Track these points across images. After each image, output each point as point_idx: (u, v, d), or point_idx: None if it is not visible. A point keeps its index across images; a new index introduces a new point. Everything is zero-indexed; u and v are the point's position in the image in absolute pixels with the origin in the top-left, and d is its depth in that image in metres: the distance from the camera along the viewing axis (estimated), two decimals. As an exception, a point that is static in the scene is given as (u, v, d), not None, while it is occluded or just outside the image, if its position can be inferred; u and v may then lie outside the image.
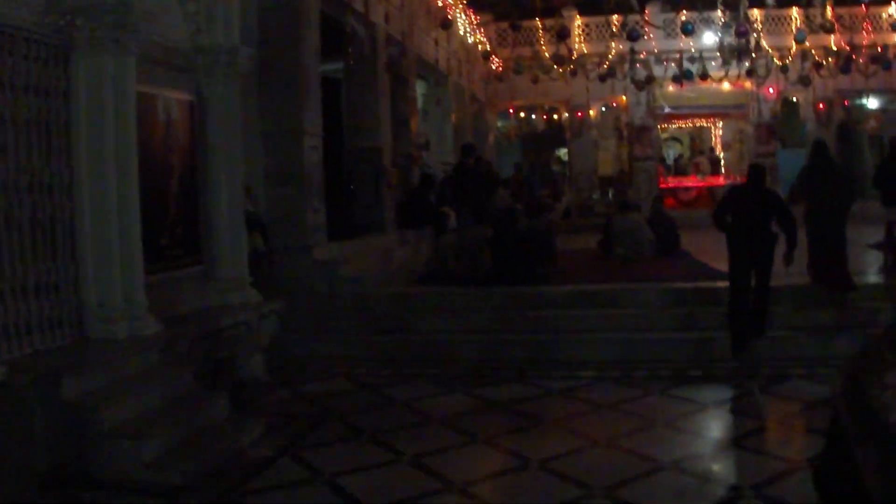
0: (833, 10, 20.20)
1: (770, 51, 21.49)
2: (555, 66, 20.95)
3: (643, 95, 22.92)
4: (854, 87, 22.14)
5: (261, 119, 9.80)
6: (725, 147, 27.00)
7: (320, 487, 5.36)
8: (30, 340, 5.71)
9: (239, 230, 8.44)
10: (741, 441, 6.17)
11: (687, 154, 27.73)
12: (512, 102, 25.26)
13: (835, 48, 21.31)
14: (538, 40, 22.45)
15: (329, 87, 11.69)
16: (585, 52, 22.83)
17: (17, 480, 4.94)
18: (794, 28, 21.45)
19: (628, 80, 21.35)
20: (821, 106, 23.00)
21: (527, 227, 11.46)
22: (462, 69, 20.30)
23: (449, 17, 17.12)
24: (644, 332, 9.04)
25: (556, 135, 27.01)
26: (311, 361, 8.89)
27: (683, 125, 27.39)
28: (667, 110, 24.37)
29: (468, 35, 19.64)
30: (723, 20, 19.62)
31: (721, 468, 5.63)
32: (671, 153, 28.31)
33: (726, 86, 22.03)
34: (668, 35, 21.78)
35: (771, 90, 22.86)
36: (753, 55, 20.25)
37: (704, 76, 20.74)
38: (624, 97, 23.56)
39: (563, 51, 20.24)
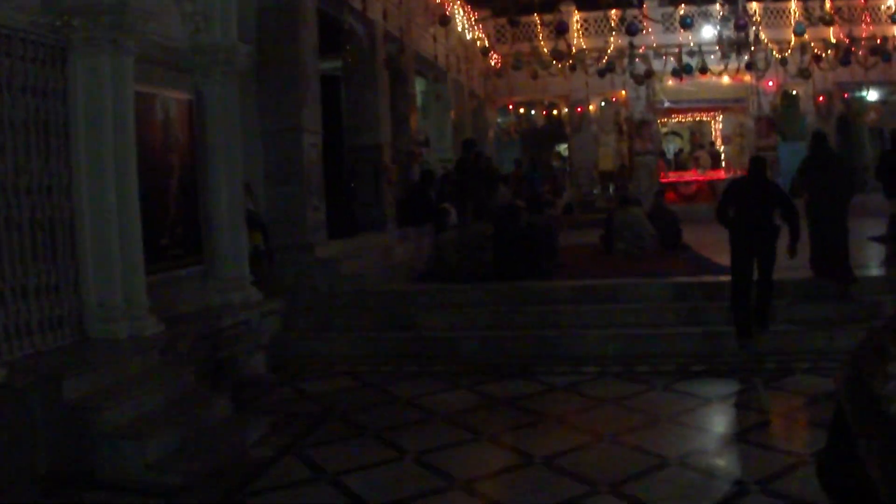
0: (832, 2, 20.18)
1: (769, 44, 21.46)
2: (554, 62, 20.93)
3: (643, 90, 22.91)
4: (854, 79, 22.12)
5: (260, 117, 9.78)
6: (725, 141, 26.97)
7: (324, 486, 5.33)
8: (30, 341, 5.71)
9: (239, 229, 8.43)
10: (746, 436, 6.15)
11: (687, 148, 27.70)
12: (511, 98, 25.24)
13: (834, 40, 21.27)
14: (537, 36, 22.43)
15: (328, 84, 11.66)
16: (584, 47, 22.78)
17: (18, 481, 4.93)
18: (793, 21, 21.41)
19: (627, 74, 21.34)
20: (820, 99, 22.97)
21: (528, 224, 11.44)
22: (461, 66, 20.28)
23: (447, 13, 17.08)
24: (647, 327, 9.02)
25: (556, 130, 26.97)
26: (313, 359, 8.87)
27: (683, 119, 27.37)
28: (666, 104, 24.34)
29: (466, 31, 19.61)
30: (721, 13, 19.63)
31: (726, 463, 5.60)
32: (671, 147, 28.29)
33: (726, 79, 21.98)
34: (667, 29, 21.76)
35: (770, 83, 22.83)
36: (753, 48, 20.23)
37: (704, 70, 20.72)
38: (623, 92, 23.52)
39: (562, 46, 20.21)
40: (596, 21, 23.18)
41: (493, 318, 9.45)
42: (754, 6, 21.17)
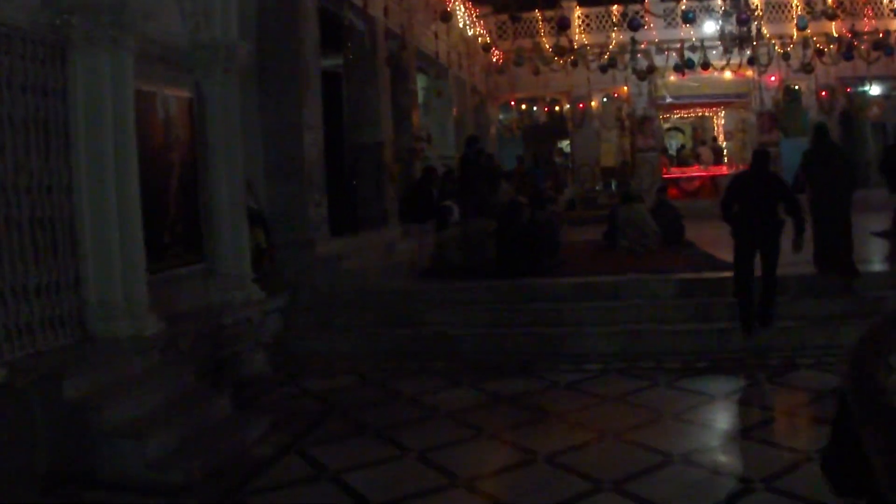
0: (834, -5, 20.11)
1: (771, 39, 21.38)
2: (555, 58, 20.84)
3: (644, 85, 22.84)
4: (856, 74, 22.00)
5: (261, 114, 9.74)
6: (728, 136, 26.90)
7: (325, 484, 5.32)
8: (31, 340, 5.68)
9: (240, 227, 8.40)
10: (750, 432, 6.13)
11: (689, 144, 27.65)
12: (513, 95, 25.19)
13: (836, 35, 21.18)
14: (538, 32, 22.37)
15: (329, 81, 11.63)
16: (586, 42, 22.70)
17: (18, 481, 4.91)
18: (795, 15, 21.33)
19: (629, 70, 21.26)
20: (823, 94, 22.88)
21: (530, 220, 11.41)
22: (462, 62, 20.24)
23: (448, 9, 17.05)
24: (650, 323, 8.99)
25: (557, 127, 26.92)
26: (315, 357, 8.86)
27: (685, 115, 27.30)
28: (668, 100, 24.27)
29: (468, 27, 19.56)
30: (723, 8, 19.54)
31: (730, 460, 5.57)
32: (673, 143, 28.23)
33: (728, 75, 21.90)
34: (669, 24, 21.69)
35: (773, 78, 22.74)
36: (755, 43, 20.14)
37: (706, 65, 20.64)
38: (625, 87, 23.47)
39: (564, 42, 20.14)
40: (597, 16, 23.13)
41: (495, 315, 9.43)
42: (756, 1, 21.08)
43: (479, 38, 20.83)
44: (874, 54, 20.69)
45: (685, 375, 7.67)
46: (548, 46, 21.25)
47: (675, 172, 24.43)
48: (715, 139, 27.04)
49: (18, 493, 4.87)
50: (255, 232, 8.99)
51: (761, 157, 8.81)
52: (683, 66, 20.74)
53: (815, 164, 9.34)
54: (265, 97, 9.77)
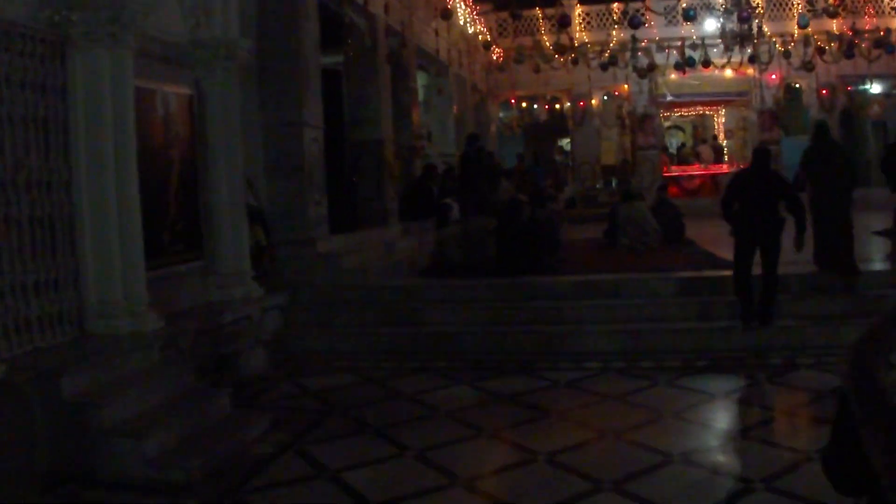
0: (835, -7, 20.09)
1: (772, 36, 21.36)
2: (556, 56, 20.84)
3: (645, 83, 22.83)
4: (857, 72, 21.99)
5: (261, 112, 9.74)
6: (728, 135, 26.88)
7: (324, 483, 5.31)
8: (30, 338, 5.67)
9: (240, 224, 8.39)
10: (750, 432, 6.12)
11: (690, 142, 27.63)
12: (513, 92, 25.17)
13: (837, 33, 21.17)
14: (539, 29, 22.38)
15: (329, 79, 11.62)
16: (586, 40, 22.71)
17: (17, 479, 4.89)
18: (796, 13, 21.31)
19: (630, 68, 21.26)
20: (824, 92, 22.86)
21: (530, 218, 11.40)
22: (463, 60, 20.23)
23: (449, 7, 17.03)
24: (650, 322, 8.98)
25: (558, 124, 26.91)
26: (315, 355, 8.84)
27: (686, 113, 27.28)
28: (669, 98, 24.25)
29: (468, 25, 19.55)
30: (724, 6, 19.53)
31: (730, 460, 5.56)
32: (674, 142, 28.21)
33: (729, 73, 21.90)
34: (670, 22, 21.67)
35: (773, 76, 22.73)
36: (756, 41, 20.13)
37: (707, 63, 20.64)
38: (626, 86, 23.46)
39: (564, 40, 20.12)
40: (598, 14, 23.12)
41: (495, 313, 9.42)
42: (757, -2, 21.08)
43: (480, 36, 20.82)
44: (875, 52, 20.69)
45: (685, 374, 7.66)
46: (548, 44, 21.25)
47: (676, 171, 24.42)
48: (715, 137, 27.02)
49: (18, 492, 4.86)
50: (254, 230, 8.98)
51: (762, 155, 8.80)
52: (684, 64, 20.74)
53: (815, 162, 9.33)
54: (265, 94, 9.76)
